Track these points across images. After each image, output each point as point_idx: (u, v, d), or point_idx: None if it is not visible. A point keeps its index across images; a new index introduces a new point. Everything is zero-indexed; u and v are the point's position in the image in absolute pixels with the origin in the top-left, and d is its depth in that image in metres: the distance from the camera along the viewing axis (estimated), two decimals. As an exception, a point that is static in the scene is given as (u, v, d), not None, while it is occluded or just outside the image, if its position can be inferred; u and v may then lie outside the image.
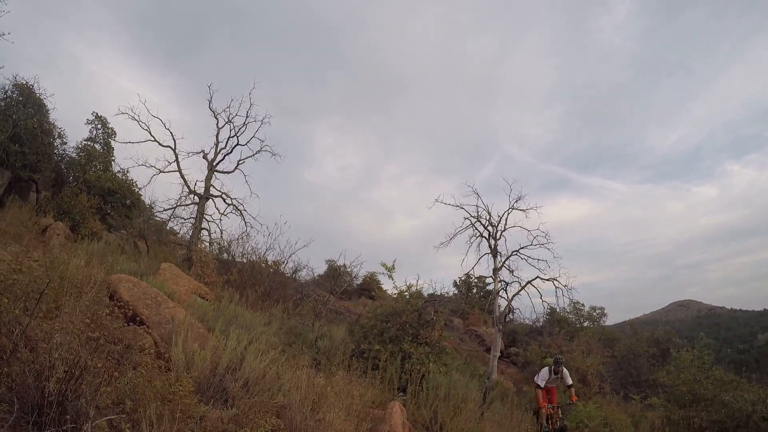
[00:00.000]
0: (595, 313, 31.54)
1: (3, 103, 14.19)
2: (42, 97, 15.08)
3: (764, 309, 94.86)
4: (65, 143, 16.75)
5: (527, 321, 29.08)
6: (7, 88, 14.43)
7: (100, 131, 18.54)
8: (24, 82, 14.79)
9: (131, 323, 5.74)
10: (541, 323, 28.77)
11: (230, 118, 18.14)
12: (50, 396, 2.85)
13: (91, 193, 15.57)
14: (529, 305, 27.02)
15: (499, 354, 18.97)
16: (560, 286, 18.86)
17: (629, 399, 17.21)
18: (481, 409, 8.70)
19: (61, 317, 4.05)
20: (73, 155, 17.03)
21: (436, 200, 20.60)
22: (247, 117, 18.08)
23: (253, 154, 18.24)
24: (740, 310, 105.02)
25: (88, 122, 18.41)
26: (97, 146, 18.04)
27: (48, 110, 15.26)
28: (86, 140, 17.95)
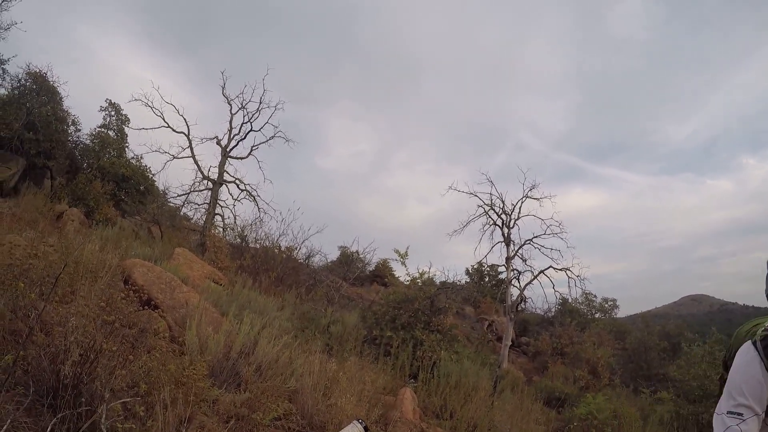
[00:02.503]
0: (606, 305, 31.38)
1: (17, 92, 14.31)
2: (55, 85, 15.15)
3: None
4: (79, 130, 16.81)
5: (539, 311, 29.01)
6: (20, 76, 14.56)
7: (114, 118, 18.60)
8: (37, 71, 14.86)
9: (146, 307, 5.78)
10: (552, 313, 28.70)
11: (244, 104, 18.13)
12: (65, 379, 2.86)
13: (105, 179, 15.66)
14: (541, 295, 26.94)
15: (510, 343, 18.96)
16: (573, 276, 18.82)
17: (639, 392, 17.13)
18: (491, 398, 8.69)
19: (76, 301, 4.09)
20: (87, 142, 17.10)
21: (450, 187, 20.57)
22: (260, 103, 18.04)
23: (267, 140, 18.23)
24: (753, 306, 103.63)
25: (102, 109, 18.47)
26: (110, 133, 18.11)
27: (62, 98, 15.34)
28: (100, 127, 18.00)
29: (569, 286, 19.16)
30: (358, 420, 1.54)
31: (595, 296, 30.19)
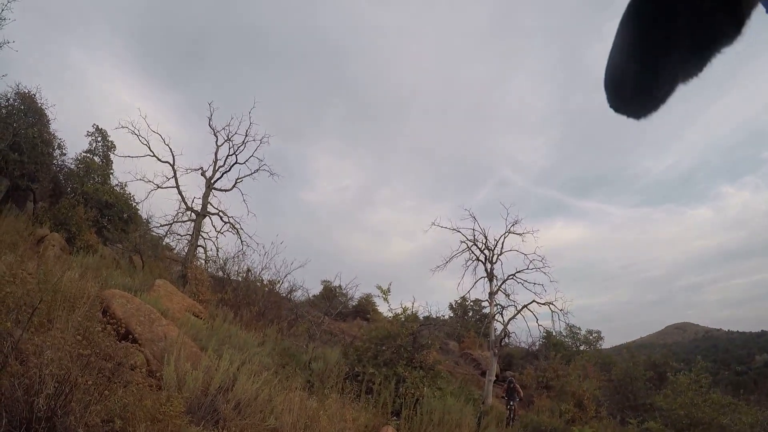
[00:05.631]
0: (591, 337, 31.51)
1: (4, 111, 14.23)
2: (43, 107, 15.15)
3: (761, 330, 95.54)
4: (65, 154, 16.78)
5: (523, 345, 28.93)
6: (9, 96, 14.51)
7: (100, 144, 18.59)
8: (26, 91, 14.86)
9: (124, 340, 5.67)
10: (537, 347, 28.64)
11: (229, 137, 18.18)
12: (39, 411, 2.79)
13: (88, 205, 15.51)
14: (525, 329, 26.87)
15: (494, 378, 18.79)
16: (556, 310, 18.85)
17: (626, 423, 17.03)
18: (475, 435, 8.57)
19: (53, 332, 4.00)
20: (72, 166, 17.02)
21: (433, 223, 20.71)
22: (246, 136, 18.12)
23: (252, 173, 18.24)
24: (737, 331, 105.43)
25: (89, 134, 18.49)
26: (96, 159, 18.05)
27: (49, 120, 15.34)
28: (86, 152, 17.98)
29: (553, 320, 19.15)
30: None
31: (579, 329, 30.32)
